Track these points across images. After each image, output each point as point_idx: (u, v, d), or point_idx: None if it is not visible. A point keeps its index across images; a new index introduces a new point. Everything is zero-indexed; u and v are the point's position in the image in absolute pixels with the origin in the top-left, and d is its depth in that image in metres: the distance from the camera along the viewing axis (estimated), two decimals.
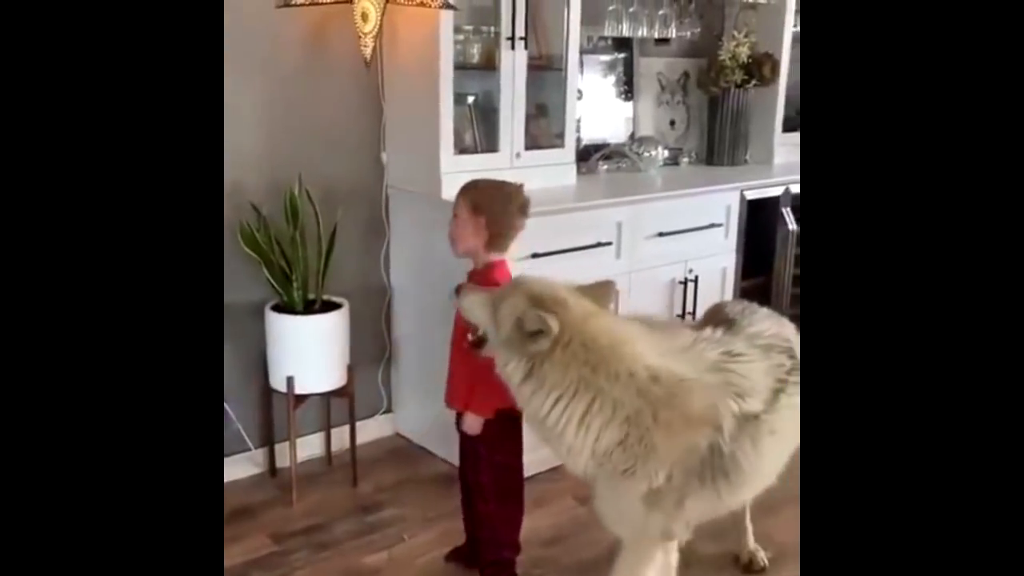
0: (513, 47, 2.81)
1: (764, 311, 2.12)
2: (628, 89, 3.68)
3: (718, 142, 3.74)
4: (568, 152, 3.09)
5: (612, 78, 3.65)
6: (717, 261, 3.31)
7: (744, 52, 3.58)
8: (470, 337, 1.96)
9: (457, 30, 2.76)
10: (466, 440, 2.20)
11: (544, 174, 3.00)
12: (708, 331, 1.95)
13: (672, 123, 3.83)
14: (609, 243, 2.93)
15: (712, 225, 3.25)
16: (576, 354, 1.74)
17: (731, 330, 1.99)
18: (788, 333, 2.04)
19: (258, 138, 2.70)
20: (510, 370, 1.79)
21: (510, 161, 2.91)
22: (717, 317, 2.09)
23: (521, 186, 2.15)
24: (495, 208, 2.08)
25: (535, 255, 2.71)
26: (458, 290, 1.97)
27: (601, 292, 1.93)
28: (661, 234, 3.08)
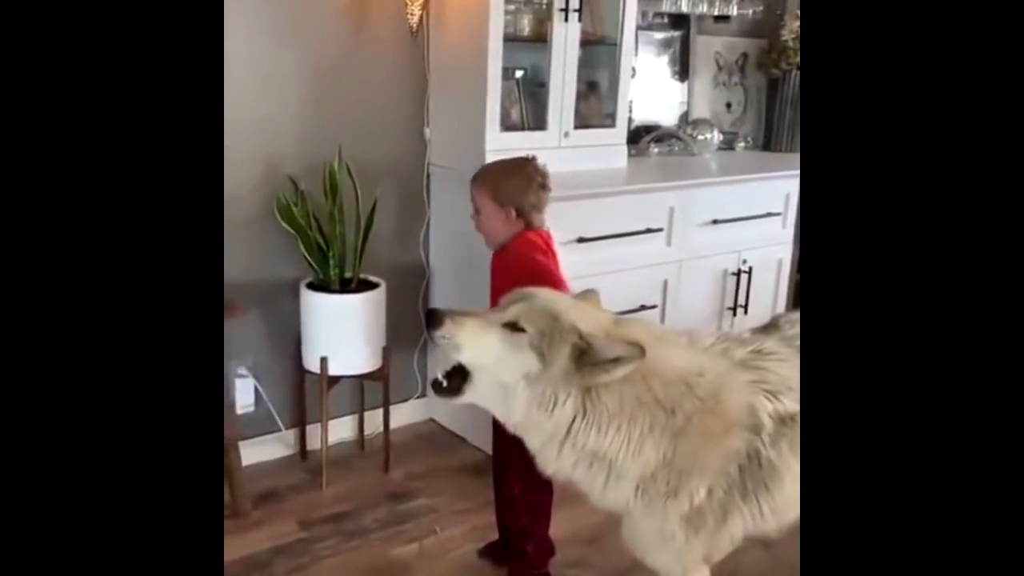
0: (567, 19, 2.67)
1: None
2: (682, 69, 3.52)
3: (776, 127, 3.57)
4: (620, 133, 2.95)
5: (666, 57, 3.50)
6: (773, 252, 3.15)
7: None
8: (440, 376, 1.59)
9: (508, 0, 2.62)
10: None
11: (593, 155, 2.87)
12: (732, 331, 1.78)
13: (728, 106, 3.66)
14: (660, 229, 2.79)
15: (769, 214, 3.09)
16: (630, 377, 1.53)
17: (765, 333, 1.83)
18: None
19: (297, 109, 2.60)
20: (563, 410, 1.50)
21: (558, 140, 2.78)
22: (766, 325, 1.93)
23: (534, 159, 2.04)
24: (519, 195, 1.98)
25: (581, 239, 2.58)
26: (433, 319, 1.53)
27: (592, 301, 1.71)
28: (715, 221, 2.93)
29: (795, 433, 1.61)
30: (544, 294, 1.58)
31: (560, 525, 2.20)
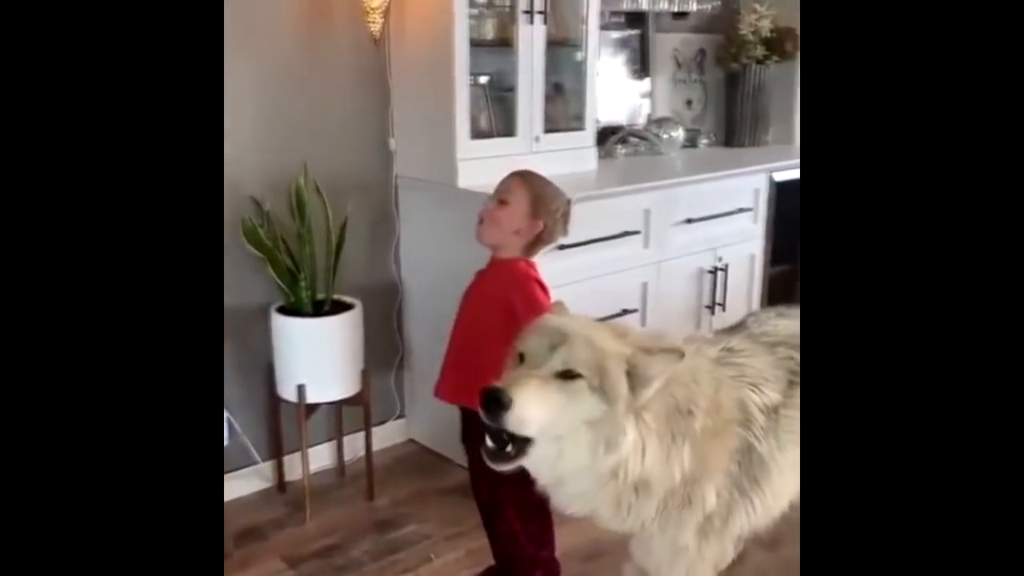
0: (532, 21, 2.60)
1: (775, 313, 1.87)
2: (641, 67, 3.48)
3: (739, 122, 3.55)
4: (588, 135, 2.90)
5: (623, 56, 3.45)
6: (746, 248, 3.13)
7: (766, 26, 3.39)
8: (490, 444, 1.41)
9: (470, 3, 2.54)
10: (477, 455, 1.98)
11: (564, 159, 2.80)
12: (696, 333, 1.75)
13: (689, 103, 3.64)
14: (637, 232, 2.73)
15: (741, 210, 3.07)
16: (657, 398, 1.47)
17: (730, 332, 1.80)
18: None
19: (256, 126, 2.47)
20: (627, 440, 1.40)
21: (529, 145, 2.71)
22: (733, 326, 1.90)
23: (569, 200, 1.97)
24: (553, 215, 1.90)
25: (562, 247, 2.49)
26: (496, 403, 1.33)
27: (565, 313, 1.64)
28: (689, 220, 2.89)
29: (779, 425, 1.60)
30: (572, 326, 1.45)
31: (559, 542, 2.12)
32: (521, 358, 1.44)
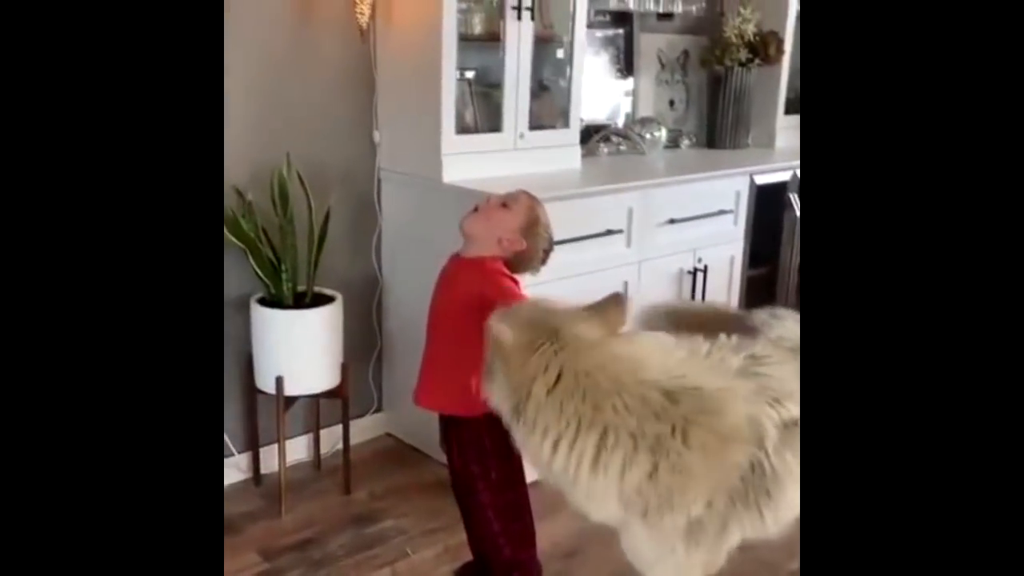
0: (519, 17, 2.59)
1: (791, 316, 1.90)
2: (626, 67, 3.49)
3: (720, 124, 3.57)
4: (573, 133, 2.90)
5: (608, 56, 3.45)
6: (726, 250, 3.14)
7: (751, 29, 3.41)
8: None
9: None
10: (455, 457, 1.98)
11: (548, 156, 2.81)
12: (723, 337, 1.74)
13: (671, 103, 3.65)
14: (620, 231, 2.74)
15: (722, 212, 3.08)
16: (571, 391, 1.53)
17: (751, 336, 1.80)
18: None
19: (240, 116, 2.44)
20: (497, 403, 1.62)
21: (513, 142, 2.71)
22: (740, 326, 1.90)
23: (553, 245, 2.00)
24: (536, 245, 1.92)
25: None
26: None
27: (611, 309, 1.67)
28: (672, 221, 2.90)
29: (796, 438, 1.57)
30: (531, 302, 1.63)
31: (539, 539, 2.13)
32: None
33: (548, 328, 1.57)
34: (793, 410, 1.58)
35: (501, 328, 1.55)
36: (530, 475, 2.02)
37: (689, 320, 2.02)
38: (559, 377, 1.53)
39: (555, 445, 1.53)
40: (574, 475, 1.54)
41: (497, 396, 1.60)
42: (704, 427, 1.53)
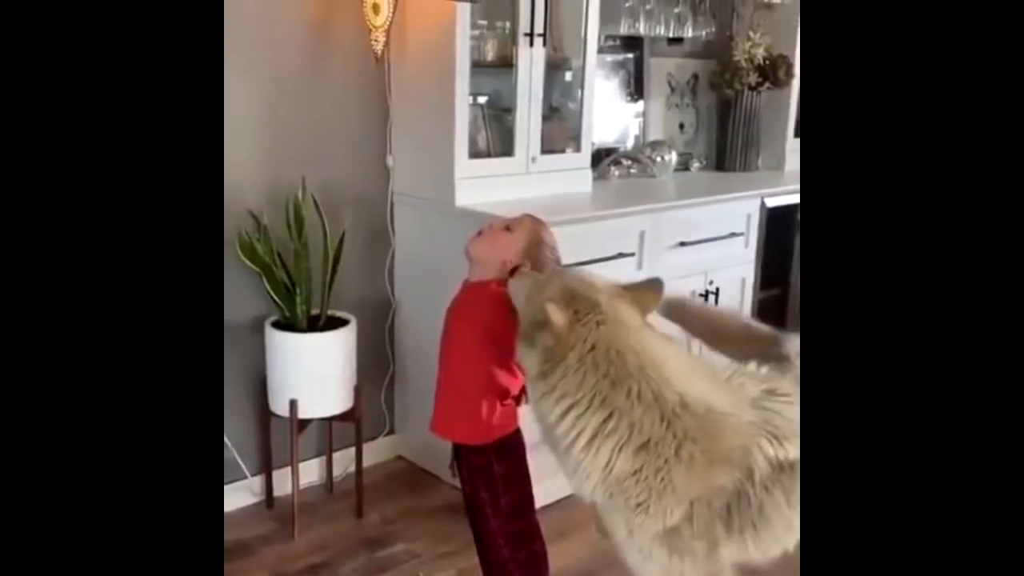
0: (532, 43, 2.62)
1: None
2: (636, 91, 3.52)
3: (730, 147, 3.59)
4: (584, 157, 2.92)
5: (618, 80, 3.48)
6: (736, 272, 3.15)
7: (760, 53, 3.43)
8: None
9: (472, 24, 2.56)
10: (466, 483, 1.98)
11: (560, 180, 2.83)
12: (752, 365, 1.74)
13: (681, 126, 3.67)
14: (632, 254, 2.75)
15: (732, 234, 3.09)
16: (598, 364, 1.55)
17: (780, 367, 1.79)
18: None
19: (256, 140, 2.48)
20: (527, 365, 1.65)
21: (526, 166, 2.73)
22: (772, 349, 1.89)
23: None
24: (543, 269, 1.88)
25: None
26: (512, 272, 1.82)
27: (649, 293, 1.71)
28: (683, 243, 2.91)
29: (791, 481, 1.57)
30: (573, 272, 1.71)
31: (551, 564, 2.12)
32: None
33: (590, 300, 1.59)
34: (792, 452, 1.57)
35: (552, 309, 1.56)
36: (540, 500, 2.02)
37: (716, 328, 2.03)
38: (592, 347, 1.55)
39: (565, 412, 1.56)
40: (568, 446, 1.57)
41: (529, 360, 1.62)
42: (698, 446, 1.54)
